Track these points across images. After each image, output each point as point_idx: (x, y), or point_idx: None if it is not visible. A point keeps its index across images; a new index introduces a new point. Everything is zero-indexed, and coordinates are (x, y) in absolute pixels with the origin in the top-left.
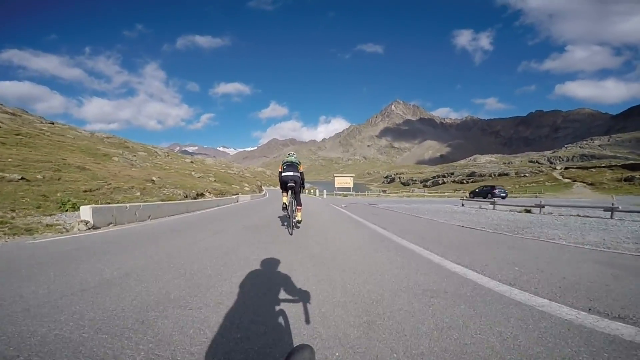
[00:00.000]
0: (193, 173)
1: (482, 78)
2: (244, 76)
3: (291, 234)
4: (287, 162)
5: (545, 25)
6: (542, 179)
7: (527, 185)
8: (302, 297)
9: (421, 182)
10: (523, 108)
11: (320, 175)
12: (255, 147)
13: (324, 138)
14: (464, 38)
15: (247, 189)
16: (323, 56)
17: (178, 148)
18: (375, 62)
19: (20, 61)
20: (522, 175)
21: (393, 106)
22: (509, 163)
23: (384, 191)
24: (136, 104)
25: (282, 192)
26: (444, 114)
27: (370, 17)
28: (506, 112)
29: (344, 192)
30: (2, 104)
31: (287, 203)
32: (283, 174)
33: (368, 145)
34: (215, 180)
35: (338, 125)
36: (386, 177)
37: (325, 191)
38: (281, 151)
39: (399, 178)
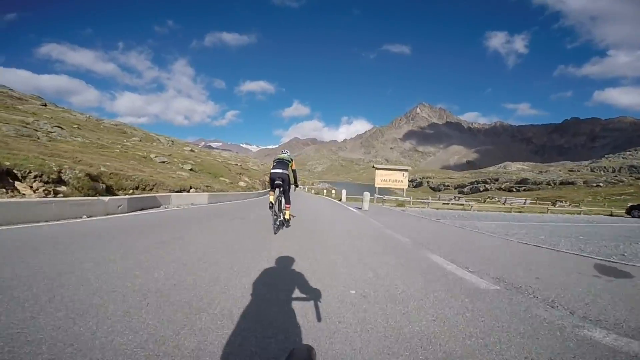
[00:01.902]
0: (154, 157)
1: (515, 82)
2: (268, 74)
3: (275, 233)
4: (278, 159)
5: (587, 28)
6: (631, 191)
7: (614, 198)
8: None
9: (455, 188)
10: (557, 115)
11: (340, 176)
12: (277, 145)
13: (345, 139)
14: (497, 40)
15: (242, 184)
16: (347, 55)
17: (203, 143)
18: (401, 63)
19: (58, 55)
20: (595, 185)
21: (418, 109)
22: (545, 171)
23: (457, 198)
24: (165, 99)
25: (270, 190)
26: (472, 118)
27: (397, 16)
28: (539, 119)
29: (397, 198)
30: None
31: (272, 202)
32: (271, 172)
33: (391, 148)
34: (191, 169)
35: (360, 126)
36: (411, 181)
37: (368, 194)
38: (302, 150)
39: (427, 182)
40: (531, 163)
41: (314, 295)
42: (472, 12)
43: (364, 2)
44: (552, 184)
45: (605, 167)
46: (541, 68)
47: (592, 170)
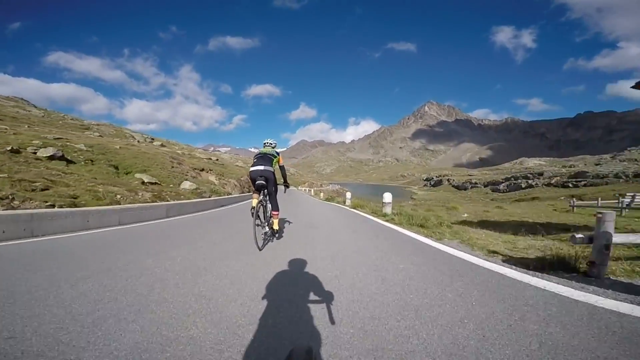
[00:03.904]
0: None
1: (525, 78)
2: (274, 77)
3: (261, 249)
4: (259, 154)
5: (594, 20)
6: None
7: None
8: None
9: (485, 186)
10: (570, 109)
11: (349, 177)
12: (285, 149)
13: (353, 140)
14: (503, 35)
15: (189, 185)
16: (352, 55)
17: (212, 148)
18: (407, 61)
19: (65, 63)
20: None
21: (426, 107)
22: (570, 166)
23: None
24: (173, 105)
25: (253, 192)
26: (482, 115)
27: (400, 14)
28: (550, 114)
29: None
30: None
31: (255, 207)
32: (251, 169)
33: (400, 147)
34: (54, 157)
35: (368, 126)
36: (428, 180)
37: None
38: (309, 152)
39: (448, 180)
40: (548, 158)
41: None
42: (477, 7)
43: (366, 0)
44: (624, 177)
45: (635, 160)
46: (551, 62)
47: (621, 162)
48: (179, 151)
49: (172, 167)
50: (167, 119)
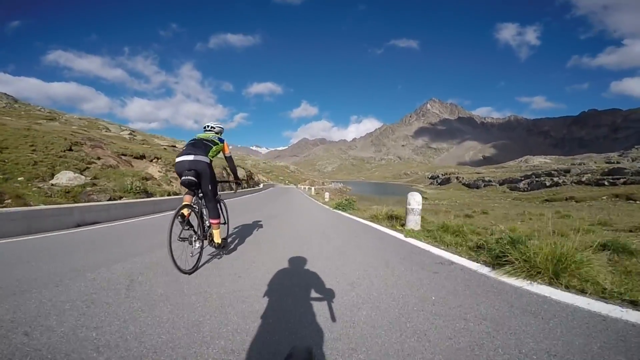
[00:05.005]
0: None
1: (528, 75)
2: (275, 75)
3: (190, 272)
4: (192, 139)
5: (599, 17)
6: None
7: None
8: None
9: (501, 184)
10: (574, 107)
11: (351, 175)
12: (286, 147)
13: (355, 138)
14: (507, 32)
15: (67, 179)
16: (354, 53)
17: None
18: (409, 58)
19: (65, 62)
20: None
21: (429, 105)
22: (579, 164)
23: None
24: (174, 104)
25: (185, 194)
26: (485, 113)
27: (403, 9)
28: (554, 112)
29: None
30: None
31: (184, 214)
32: (177, 160)
33: (402, 145)
34: None
35: (370, 125)
36: (434, 178)
37: None
38: (311, 150)
39: (457, 178)
40: (553, 156)
41: None
42: (481, 3)
43: None
44: None
45: None
46: (555, 60)
47: (633, 161)
48: (126, 135)
49: (67, 150)
50: (169, 118)
